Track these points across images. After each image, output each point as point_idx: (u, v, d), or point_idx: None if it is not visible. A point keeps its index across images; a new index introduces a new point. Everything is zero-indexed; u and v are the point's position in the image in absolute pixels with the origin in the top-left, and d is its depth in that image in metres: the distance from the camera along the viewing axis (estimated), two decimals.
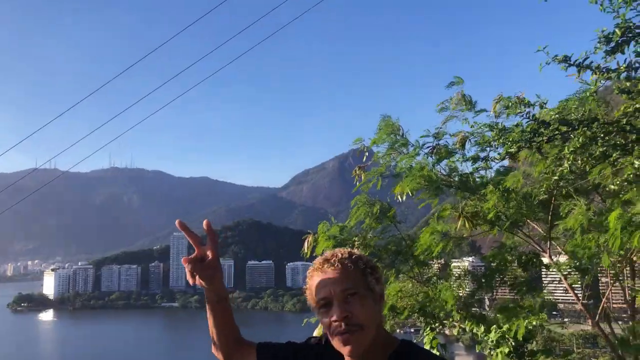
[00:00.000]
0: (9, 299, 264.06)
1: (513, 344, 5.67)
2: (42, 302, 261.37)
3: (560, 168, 4.10)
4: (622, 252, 5.71)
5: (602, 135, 3.61)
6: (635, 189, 3.99)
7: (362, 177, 6.70)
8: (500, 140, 4.21)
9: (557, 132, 3.75)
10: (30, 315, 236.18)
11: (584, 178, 4.84)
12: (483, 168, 5.79)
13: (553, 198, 5.29)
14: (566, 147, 3.81)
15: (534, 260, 6.57)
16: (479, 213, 5.81)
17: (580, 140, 3.65)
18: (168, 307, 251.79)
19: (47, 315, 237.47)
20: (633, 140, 3.51)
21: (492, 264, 7.00)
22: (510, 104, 4.76)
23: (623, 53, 3.45)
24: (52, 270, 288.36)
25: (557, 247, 6.31)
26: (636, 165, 3.55)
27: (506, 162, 5.51)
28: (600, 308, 5.67)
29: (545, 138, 3.78)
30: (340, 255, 1.68)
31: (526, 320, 5.49)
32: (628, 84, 3.67)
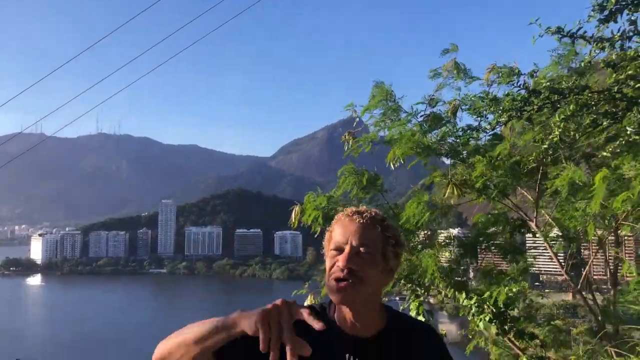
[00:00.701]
0: None
1: (494, 310, 5.75)
2: (29, 267, 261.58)
3: (551, 136, 4.08)
4: (607, 222, 5.77)
5: (592, 103, 3.58)
6: (626, 156, 3.98)
7: (351, 143, 6.64)
8: (491, 109, 4.17)
9: (547, 101, 3.71)
10: (18, 279, 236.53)
11: (573, 147, 4.83)
12: (474, 138, 5.73)
13: (542, 166, 5.29)
14: (557, 115, 3.78)
15: (521, 227, 6.61)
16: (468, 181, 5.80)
17: (572, 107, 3.62)
18: (156, 273, 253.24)
19: (35, 280, 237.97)
20: (623, 108, 3.49)
21: (479, 230, 7.06)
22: (502, 73, 4.70)
23: (616, 22, 3.40)
24: (40, 235, 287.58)
25: (545, 215, 6.36)
26: (628, 132, 3.53)
27: (498, 130, 5.47)
28: (583, 276, 5.75)
29: (535, 107, 3.75)
30: (373, 214, 1.66)
31: (506, 287, 5.56)
32: (614, 56, 3.64)
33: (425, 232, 7.03)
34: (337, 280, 1.55)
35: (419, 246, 7.04)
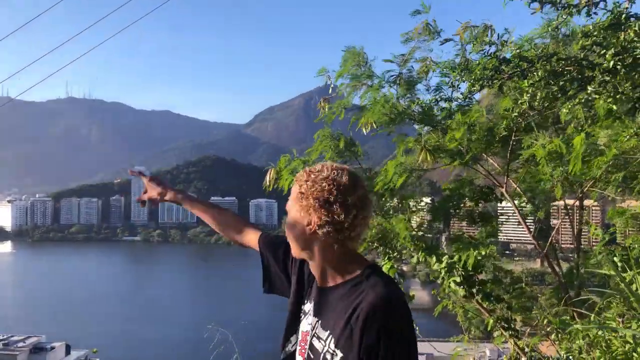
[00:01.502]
0: None
1: (463, 273, 5.90)
2: None
3: (519, 101, 4.13)
4: (574, 189, 5.92)
5: (559, 70, 3.63)
6: (599, 124, 4.07)
7: (327, 110, 6.62)
8: (463, 79, 4.18)
9: (517, 69, 3.75)
10: None
11: (543, 115, 4.90)
12: (445, 99, 5.73)
13: (513, 133, 5.37)
14: (525, 81, 3.82)
15: (490, 193, 6.74)
16: (441, 147, 5.85)
17: (540, 74, 3.66)
18: (130, 241, 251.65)
19: (5, 247, 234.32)
20: (589, 75, 3.54)
21: (447, 196, 7.17)
22: (476, 33, 4.68)
23: None
24: (8, 202, 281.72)
25: (513, 182, 6.49)
26: (589, 91, 3.57)
27: (472, 100, 5.50)
28: (549, 242, 5.92)
29: (506, 76, 3.79)
30: (305, 177, 1.68)
31: (476, 251, 5.69)
32: (591, 27, 3.66)
33: (397, 198, 7.11)
34: None
35: (391, 211, 7.14)
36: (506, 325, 6.01)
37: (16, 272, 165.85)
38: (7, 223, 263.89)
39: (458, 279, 6.00)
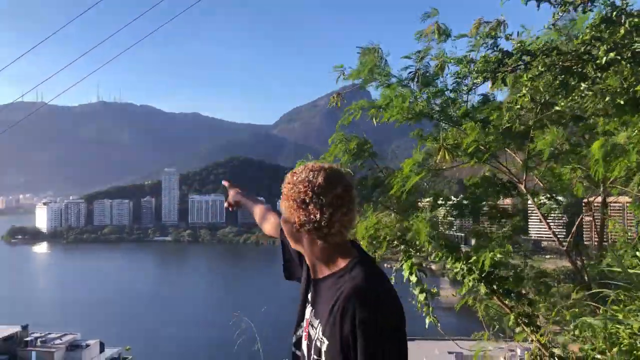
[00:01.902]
0: (2, 231, 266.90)
1: (479, 274, 5.93)
2: (35, 235, 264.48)
3: (519, 95, 4.17)
4: (595, 187, 5.89)
5: (560, 64, 3.66)
6: (615, 120, 4.06)
7: (338, 105, 6.70)
8: (467, 71, 4.24)
9: (520, 62, 3.80)
10: (24, 247, 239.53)
11: (548, 109, 4.88)
12: (465, 92, 5.71)
13: (531, 129, 5.38)
14: (524, 75, 3.87)
15: (511, 189, 6.74)
16: (459, 145, 5.89)
17: (540, 68, 3.70)
18: (161, 241, 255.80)
19: (42, 248, 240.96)
20: (600, 67, 3.56)
21: (469, 193, 7.17)
22: (489, 28, 4.69)
23: None
24: (44, 204, 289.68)
25: (535, 177, 6.47)
26: (582, 87, 3.59)
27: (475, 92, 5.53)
28: (570, 237, 5.91)
29: (509, 69, 3.84)
30: (288, 179, 1.84)
31: (491, 253, 5.72)
32: (603, 26, 3.67)
33: (417, 196, 7.14)
34: None
35: (410, 209, 7.18)
36: (527, 321, 6.02)
37: (52, 273, 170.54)
38: (43, 225, 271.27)
39: (477, 276, 6.04)
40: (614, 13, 3.31)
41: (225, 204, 2.62)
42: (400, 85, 6.29)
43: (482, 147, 5.73)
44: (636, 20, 3.24)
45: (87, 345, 55.27)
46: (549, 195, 6.49)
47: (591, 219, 6.75)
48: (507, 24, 4.27)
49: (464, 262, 6.00)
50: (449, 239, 7.06)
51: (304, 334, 1.91)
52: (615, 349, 2.66)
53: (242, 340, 5.29)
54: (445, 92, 5.87)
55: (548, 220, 6.66)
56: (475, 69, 4.00)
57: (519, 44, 3.88)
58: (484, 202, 7.15)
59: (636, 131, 3.64)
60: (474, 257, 5.99)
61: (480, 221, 9.10)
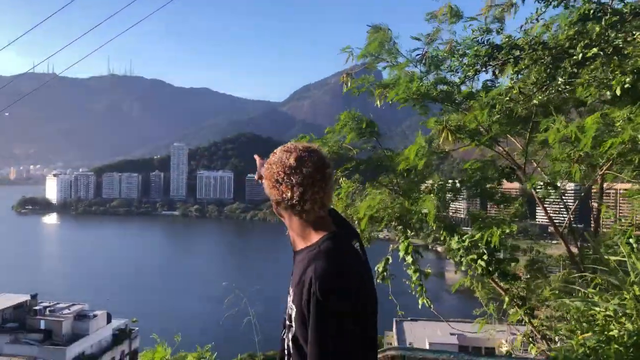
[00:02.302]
0: (13, 201, 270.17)
1: (485, 251, 6.02)
2: (45, 206, 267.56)
3: (505, 87, 4.25)
4: (597, 163, 5.93)
5: (544, 58, 3.73)
6: (616, 108, 4.12)
7: (349, 84, 6.76)
8: (458, 63, 4.31)
9: (510, 56, 3.86)
10: (34, 217, 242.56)
11: (560, 97, 4.93)
12: (469, 79, 5.77)
13: (533, 115, 5.43)
14: (510, 68, 3.95)
15: (511, 173, 6.80)
16: (462, 127, 5.96)
17: (526, 62, 3.77)
18: (168, 215, 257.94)
19: (51, 219, 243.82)
20: (576, 62, 3.63)
21: (469, 176, 7.24)
22: (500, 10, 4.71)
23: None
24: (54, 175, 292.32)
25: (533, 162, 6.54)
26: (559, 82, 3.65)
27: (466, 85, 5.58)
28: (565, 223, 5.99)
29: (500, 62, 3.91)
30: (271, 159, 1.94)
31: (499, 229, 5.78)
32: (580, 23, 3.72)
33: (420, 177, 7.22)
34: None
35: (415, 192, 7.26)
36: (521, 303, 6.15)
37: (61, 243, 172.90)
38: (53, 196, 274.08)
39: (475, 257, 6.15)
40: (592, 11, 3.36)
41: (256, 176, 2.59)
42: (408, 65, 6.33)
43: (483, 129, 5.80)
44: (613, 17, 3.29)
45: (95, 316, 56.21)
46: (548, 181, 6.55)
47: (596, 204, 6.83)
48: (519, 6, 4.31)
49: (463, 240, 6.10)
50: (450, 219, 7.17)
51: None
52: (589, 330, 2.78)
53: (235, 312, 5.47)
54: (450, 77, 5.90)
55: (554, 206, 6.74)
56: (467, 62, 4.07)
57: (507, 39, 3.95)
58: (481, 185, 7.23)
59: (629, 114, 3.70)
60: (478, 235, 6.06)
61: (486, 205, 9.20)
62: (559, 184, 6.36)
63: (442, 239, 6.62)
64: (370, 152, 7.46)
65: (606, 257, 3.40)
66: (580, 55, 3.42)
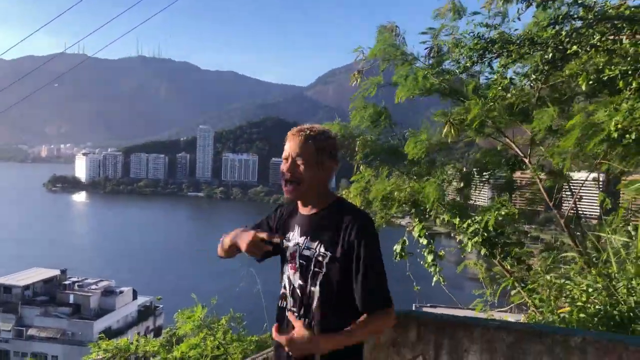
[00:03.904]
0: (44, 179, 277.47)
1: (485, 234, 6.31)
2: (75, 184, 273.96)
3: (492, 79, 4.50)
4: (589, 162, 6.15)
5: (530, 52, 3.97)
6: (601, 103, 4.36)
7: (358, 82, 7.08)
8: (458, 54, 4.58)
9: (504, 49, 4.12)
10: (64, 195, 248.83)
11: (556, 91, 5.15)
12: (468, 69, 6.00)
13: (532, 107, 5.65)
14: (499, 61, 4.22)
15: (519, 163, 7.04)
16: (465, 121, 6.20)
17: (513, 56, 4.02)
18: (194, 197, 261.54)
19: (80, 197, 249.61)
20: (559, 57, 3.88)
21: (479, 165, 7.49)
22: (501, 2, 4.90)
23: None
24: (84, 154, 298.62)
25: (539, 152, 6.74)
26: (532, 78, 3.86)
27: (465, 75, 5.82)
28: (568, 210, 6.21)
29: (494, 55, 4.18)
30: (307, 131, 2.29)
31: (496, 212, 6.06)
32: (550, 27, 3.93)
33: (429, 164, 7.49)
34: (285, 183, 2.28)
35: (424, 176, 7.55)
36: (524, 285, 6.41)
37: (90, 221, 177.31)
38: (82, 175, 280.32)
39: (480, 239, 6.43)
40: (559, 17, 3.60)
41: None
42: (414, 62, 6.60)
43: (488, 122, 6.05)
44: (578, 23, 3.53)
45: (121, 292, 57.92)
46: (550, 170, 6.77)
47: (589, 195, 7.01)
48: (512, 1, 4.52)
49: (469, 223, 6.37)
50: (459, 204, 7.44)
51: (288, 267, 2.34)
52: (566, 303, 3.09)
53: (244, 284, 5.88)
54: (454, 72, 6.14)
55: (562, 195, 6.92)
56: (464, 53, 4.35)
57: (499, 35, 4.21)
58: (493, 175, 7.48)
59: (610, 110, 3.93)
60: (479, 217, 6.35)
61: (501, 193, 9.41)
62: (581, 174, 6.57)
63: (446, 220, 6.91)
64: (385, 138, 7.79)
65: (589, 240, 3.67)
66: (551, 55, 3.66)
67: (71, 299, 55.12)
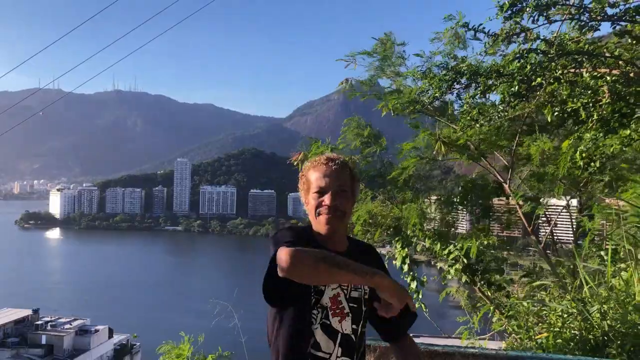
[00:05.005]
0: (16, 216, 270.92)
1: (465, 261, 6.40)
2: (48, 221, 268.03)
3: (463, 108, 4.69)
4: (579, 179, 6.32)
5: (497, 84, 4.17)
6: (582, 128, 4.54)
7: (347, 88, 7.17)
8: (428, 84, 4.77)
9: (472, 81, 4.30)
10: (37, 232, 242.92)
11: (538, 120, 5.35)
12: (437, 99, 6.13)
13: (517, 133, 5.85)
14: (466, 95, 4.42)
15: (499, 189, 7.19)
16: (453, 141, 6.37)
17: (480, 88, 4.22)
18: (171, 231, 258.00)
19: (54, 234, 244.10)
20: (524, 89, 4.10)
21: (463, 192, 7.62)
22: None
23: (518, 21, 3.94)
24: (58, 190, 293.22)
25: (518, 178, 6.93)
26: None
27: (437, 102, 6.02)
28: (546, 235, 6.35)
29: (463, 86, 4.36)
30: (342, 159, 2.20)
31: (477, 241, 6.17)
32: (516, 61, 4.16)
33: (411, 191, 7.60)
34: (327, 214, 2.08)
35: (407, 202, 7.64)
36: (503, 312, 6.47)
37: (64, 258, 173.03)
38: (57, 211, 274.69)
39: (460, 267, 6.51)
40: (523, 52, 3.81)
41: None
42: (407, 77, 6.73)
43: (473, 146, 6.21)
44: (539, 57, 3.75)
45: (96, 331, 56.36)
46: (531, 195, 6.93)
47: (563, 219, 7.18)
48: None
49: (450, 250, 6.44)
50: (440, 231, 7.52)
51: (330, 314, 2.08)
52: (543, 329, 3.16)
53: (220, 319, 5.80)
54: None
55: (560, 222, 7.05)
56: (433, 84, 4.53)
57: (466, 66, 4.40)
58: (473, 202, 7.61)
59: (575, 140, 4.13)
60: (459, 244, 6.43)
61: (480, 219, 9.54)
62: (556, 201, 6.74)
63: (427, 247, 6.97)
64: (374, 163, 7.85)
65: (561, 267, 3.77)
66: (517, 88, 3.86)
67: (43, 339, 53.34)
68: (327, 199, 2.08)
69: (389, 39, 6.96)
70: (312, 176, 2.14)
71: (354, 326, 2.09)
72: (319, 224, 2.12)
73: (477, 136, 6.44)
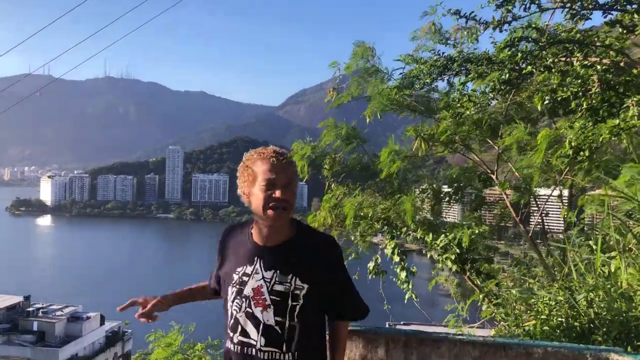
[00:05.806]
0: (7, 203, 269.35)
1: (457, 251, 6.43)
2: (39, 208, 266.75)
3: (451, 95, 4.69)
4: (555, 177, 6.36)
5: (488, 71, 4.17)
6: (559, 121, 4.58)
7: (334, 99, 7.19)
8: (418, 71, 4.76)
9: (462, 68, 4.29)
10: (28, 219, 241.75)
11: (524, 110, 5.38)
12: (428, 85, 6.12)
13: (501, 124, 5.85)
14: (458, 80, 4.41)
15: (487, 180, 7.22)
16: (435, 135, 6.36)
17: (472, 75, 4.21)
18: (163, 218, 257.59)
19: (45, 220, 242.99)
20: (514, 77, 4.10)
21: (454, 183, 7.65)
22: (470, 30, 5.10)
23: (510, 10, 3.93)
24: (49, 177, 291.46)
25: (506, 168, 6.95)
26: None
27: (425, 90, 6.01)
28: (534, 225, 6.39)
29: (454, 72, 4.35)
30: (288, 155, 2.24)
31: (470, 230, 6.20)
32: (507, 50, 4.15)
33: (400, 180, 7.62)
34: (275, 208, 2.11)
35: (396, 193, 7.67)
36: (493, 301, 6.53)
37: (55, 245, 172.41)
38: (48, 198, 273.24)
39: (454, 256, 6.54)
40: (515, 40, 3.81)
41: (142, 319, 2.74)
42: (389, 80, 6.76)
43: (456, 138, 6.22)
44: (530, 45, 3.75)
45: (88, 318, 56.30)
46: (520, 186, 6.95)
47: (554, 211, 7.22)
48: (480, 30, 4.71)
49: (443, 239, 6.47)
50: (430, 221, 7.56)
51: (252, 303, 2.16)
52: (531, 316, 3.20)
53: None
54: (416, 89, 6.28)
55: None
56: (424, 70, 4.51)
57: (458, 53, 4.38)
58: (462, 191, 7.64)
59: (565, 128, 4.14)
60: (451, 235, 6.47)
61: (470, 210, 9.59)
62: (547, 190, 6.77)
63: (419, 237, 7.01)
64: (360, 158, 7.89)
65: (550, 256, 3.79)
66: (507, 76, 3.85)
67: (35, 326, 53.21)
68: (278, 193, 2.11)
69: (368, 47, 6.97)
70: (260, 168, 2.17)
71: (277, 318, 2.12)
72: (268, 217, 2.14)
73: (460, 131, 6.44)
